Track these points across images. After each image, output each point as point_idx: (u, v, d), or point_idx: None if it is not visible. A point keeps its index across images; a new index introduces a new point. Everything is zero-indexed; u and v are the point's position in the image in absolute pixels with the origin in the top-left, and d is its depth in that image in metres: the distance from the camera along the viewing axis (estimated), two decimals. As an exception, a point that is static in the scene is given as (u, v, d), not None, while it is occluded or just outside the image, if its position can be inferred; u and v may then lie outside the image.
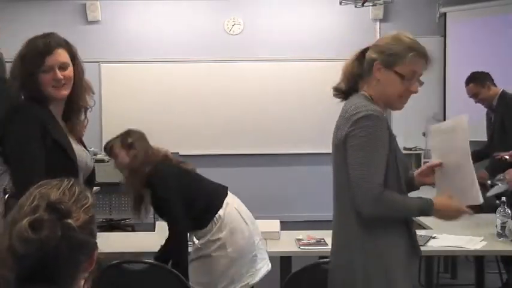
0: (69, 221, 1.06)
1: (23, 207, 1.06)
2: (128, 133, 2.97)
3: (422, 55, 1.91)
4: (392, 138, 1.88)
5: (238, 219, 2.87)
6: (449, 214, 1.92)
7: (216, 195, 2.93)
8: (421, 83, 1.94)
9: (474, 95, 4.22)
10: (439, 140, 2.09)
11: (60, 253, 1.05)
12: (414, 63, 1.89)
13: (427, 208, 1.86)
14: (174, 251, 2.81)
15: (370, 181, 1.77)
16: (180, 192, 2.83)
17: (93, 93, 2.25)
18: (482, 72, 4.25)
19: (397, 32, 1.98)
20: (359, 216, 1.83)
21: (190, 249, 2.87)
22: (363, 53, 1.98)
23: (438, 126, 2.25)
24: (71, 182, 1.13)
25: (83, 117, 2.21)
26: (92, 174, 2.18)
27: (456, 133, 1.99)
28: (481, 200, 1.90)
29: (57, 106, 2.07)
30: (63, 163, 1.97)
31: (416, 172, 2.09)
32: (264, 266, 2.92)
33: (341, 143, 1.86)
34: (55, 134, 1.99)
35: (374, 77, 1.92)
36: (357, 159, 1.80)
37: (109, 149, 3.00)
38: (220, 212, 2.84)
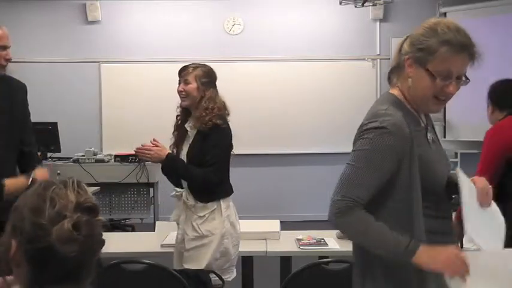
0: (100, 217, 1.10)
1: (42, 212, 1.06)
2: (210, 73, 3.03)
3: (460, 49, 1.59)
4: (414, 155, 1.61)
5: (235, 217, 2.94)
6: (441, 260, 1.56)
7: (230, 185, 2.99)
8: (465, 82, 1.64)
9: None
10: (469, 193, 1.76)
11: (95, 250, 1.09)
12: (448, 60, 1.59)
13: (408, 246, 1.54)
14: (194, 181, 2.84)
15: (344, 193, 1.58)
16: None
17: None
18: None
19: (437, 19, 1.67)
20: None
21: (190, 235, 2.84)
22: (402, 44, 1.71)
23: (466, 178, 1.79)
24: (72, 178, 1.13)
25: None
26: None
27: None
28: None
29: None
30: None
31: None
32: (234, 272, 2.95)
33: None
34: None
35: (406, 72, 1.66)
36: (345, 170, 1.64)
37: (184, 70, 2.98)
38: (227, 202, 2.87)
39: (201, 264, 2.77)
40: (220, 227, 2.81)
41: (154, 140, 2.91)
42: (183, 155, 2.93)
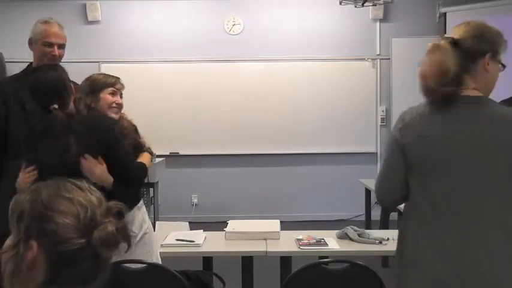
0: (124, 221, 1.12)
1: (75, 215, 1.07)
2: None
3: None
4: None
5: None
6: None
7: None
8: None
9: None
10: None
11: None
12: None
13: None
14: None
15: None
16: None
17: None
18: None
19: (478, 21, 1.92)
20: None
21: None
22: (454, 45, 1.83)
23: None
24: (81, 181, 1.15)
25: None
26: None
27: None
28: None
29: None
30: None
31: None
32: None
33: (508, 152, 1.77)
34: None
35: (483, 69, 1.85)
36: None
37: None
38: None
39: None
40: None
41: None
42: None
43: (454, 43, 1.82)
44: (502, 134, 1.78)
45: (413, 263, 1.88)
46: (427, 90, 1.83)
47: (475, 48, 1.83)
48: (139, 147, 2.78)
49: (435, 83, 1.80)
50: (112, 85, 2.71)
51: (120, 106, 2.74)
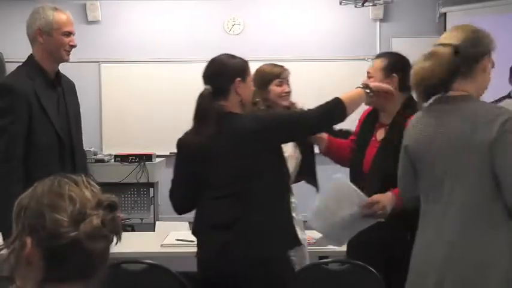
0: (120, 214, 1.12)
1: (63, 209, 1.07)
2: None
3: None
4: None
5: None
6: None
7: None
8: None
9: None
10: None
11: (109, 247, 1.11)
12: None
13: None
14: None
15: None
16: None
17: None
18: None
19: (466, 24, 2.06)
20: (498, 218, 1.84)
21: None
22: (454, 51, 1.91)
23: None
24: (81, 176, 1.15)
25: None
26: None
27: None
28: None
29: None
30: None
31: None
32: None
33: (483, 147, 1.81)
34: None
35: (481, 71, 1.96)
36: None
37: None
38: None
39: None
40: None
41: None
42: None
43: (455, 50, 1.91)
44: (473, 129, 1.84)
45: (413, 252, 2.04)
46: (418, 94, 1.99)
47: (476, 52, 1.95)
48: None
49: (424, 89, 1.94)
50: (277, 76, 2.95)
51: (289, 93, 3.00)
